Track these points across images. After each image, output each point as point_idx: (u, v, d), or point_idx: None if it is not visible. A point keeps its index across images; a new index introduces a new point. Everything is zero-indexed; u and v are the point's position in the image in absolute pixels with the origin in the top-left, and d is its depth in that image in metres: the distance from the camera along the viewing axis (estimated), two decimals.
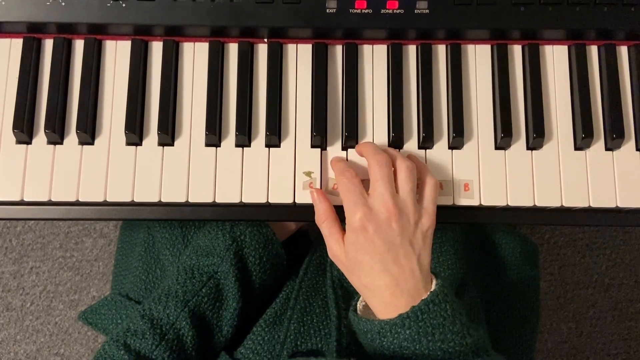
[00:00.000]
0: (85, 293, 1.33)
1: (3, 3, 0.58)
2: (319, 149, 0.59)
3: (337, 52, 0.62)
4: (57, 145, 0.59)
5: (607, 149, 0.60)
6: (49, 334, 1.32)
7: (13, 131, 0.58)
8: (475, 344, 0.50)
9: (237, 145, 0.59)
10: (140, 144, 0.59)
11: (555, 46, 0.62)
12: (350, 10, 0.59)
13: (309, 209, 0.58)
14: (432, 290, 0.51)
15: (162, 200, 0.58)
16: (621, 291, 1.35)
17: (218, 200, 0.58)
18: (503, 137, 0.59)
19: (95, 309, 0.73)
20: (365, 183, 0.55)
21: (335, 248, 0.55)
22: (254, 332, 0.64)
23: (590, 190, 0.59)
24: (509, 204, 0.59)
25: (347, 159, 0.59)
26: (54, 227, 1.34)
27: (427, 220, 0.53)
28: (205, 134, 0.59)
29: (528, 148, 0.60)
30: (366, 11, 0.59)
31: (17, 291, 1.33)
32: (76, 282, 1.33)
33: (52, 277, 1.33)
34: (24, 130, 0.58)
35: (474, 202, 0.59)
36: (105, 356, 0.57)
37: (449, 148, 0.60)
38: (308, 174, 0.59)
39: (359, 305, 0.55)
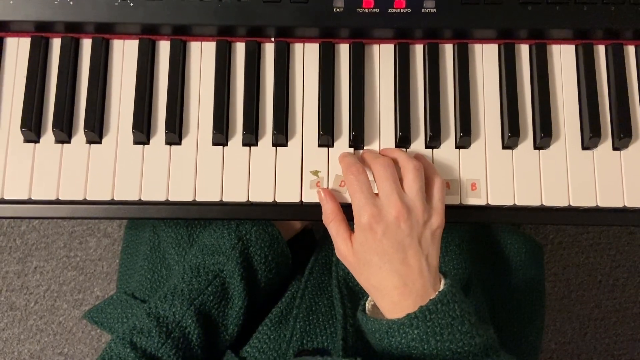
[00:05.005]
0: (89, 292, 1.33)
1: (11, 2, 0.58)
2: (326, 148, 0.59)
3: (344, 51, 0.62)
4: (64, 144, 0.59)
5: (614, 148, 0.60)
6: (53, 333, 1.32)
7: (21, 130, 0.58)
8: (485, 344, 0.50)
9: (244, 144, 0.59)
10: (148, 143, 0.59)
11: (562, 45, 0.62)
12: (358, 9, 0.59)
13: (316, 208, 0.58)
14: (440, 290, 0.51)
15: (170, 199, 0.58)
16: (625, 292, 1.34)
17: (225, 199, 0.58)
18: (510, 137, 0.59)
19: (101, 308, 0.73)
20: (372, 183, 0.55)
21: (343, 248, 0.54)
22: (259, 330, 0.64)
23: (597, 190, 0.59)
24: (516, 203, 0.58)
25: None
26: (58, 227, 1.35)
27: (437, 219, 0.53)
28: (213, 133, 0.59)
29: (535, 147, 0.60)
30: (373, 10, 0.59)
31: (21, 290, 1.33)
32: (80, 281, 1.33)
33: (56, 276, 1.33)
34: (31, 129, 0.58)
35: (481, 202, 0.59)
36: (112, 354, 0.57)
37: (456, 147, 0.60)
38: (315, 173, 0.59)
39: (368, 305, 0.55)
